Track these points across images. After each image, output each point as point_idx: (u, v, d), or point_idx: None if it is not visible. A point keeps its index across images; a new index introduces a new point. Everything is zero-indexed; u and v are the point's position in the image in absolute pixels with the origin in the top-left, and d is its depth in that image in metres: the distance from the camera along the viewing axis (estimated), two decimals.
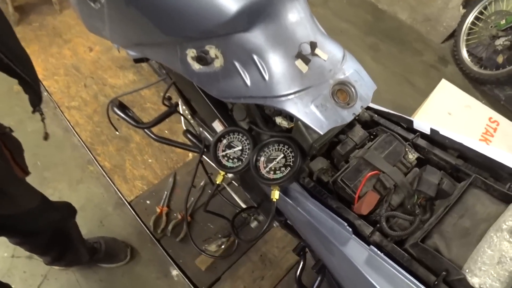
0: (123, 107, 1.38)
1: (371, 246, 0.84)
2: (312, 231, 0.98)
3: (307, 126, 0.86)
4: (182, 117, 1.55)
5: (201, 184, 2.19)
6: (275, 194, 0.96)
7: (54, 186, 2.20)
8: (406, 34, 4.01)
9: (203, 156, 1.32)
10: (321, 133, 0.85)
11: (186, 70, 1.00)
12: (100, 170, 2.27)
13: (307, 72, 0.88)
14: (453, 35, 3.82)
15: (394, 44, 3.80)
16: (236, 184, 1.59)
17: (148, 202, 2.15)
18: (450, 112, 2.92)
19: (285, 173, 0.97)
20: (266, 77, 0.88)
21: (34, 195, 1.38)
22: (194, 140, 1.35)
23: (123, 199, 2.16)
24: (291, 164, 0.98)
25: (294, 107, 0.86)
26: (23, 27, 3.07)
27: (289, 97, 0.86)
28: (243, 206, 1.75)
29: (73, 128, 2.42)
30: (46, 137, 1.46)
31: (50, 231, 1.48)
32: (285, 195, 1.03)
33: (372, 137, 1.11)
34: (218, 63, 0.93)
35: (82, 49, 2.94)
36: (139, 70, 2.83)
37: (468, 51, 3.67)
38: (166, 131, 2.47)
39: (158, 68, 2.50)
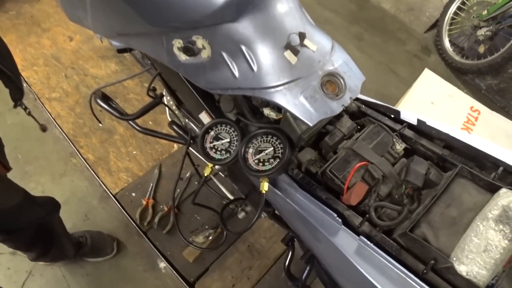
0: (106, 98, 1.35)
1: (361, 237, 0.85)
2: (301, 222, 0.98)
3: (296, 118, 0.85)
4: (167, 108, 1.53)
5: (187, 175, 2.17)
6: (264, 186, 0.96)
7: (37, 180, 2.15)
8: (390, 23, 4.03)
9: (189, 147, 1.31)
10: (311, 124, 0.85)
11: (172, 61, 0.99)
12: (83, 163, 2.23)
13: (296, 63, 0.87)
14: (436, 25, 3.85)
15: (378, 34, 3.81)
16: (223, 175, 1.59)
17: (133, 194, 2.12)
18: (433, 101, 2.96)
19: (274, 165, 0.96)
20: (255, 68, 0.87)
21: (16, 191, 1.34)
22: (180, 132, 1.34)
23: (108, 192, 2.13)
24: (280, 155, 0.97)
25: (283, 99, 0.85)
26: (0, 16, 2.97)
27: (278, 88, 0.85)
28: (230, 197, 1.75)
29: (55, 120, 2.36)
30: (44, 128, 1.43)
31: (33, 228, 1.45)
32: (274, 187, 1.02)
33: (359, 127, 1.11)
34: (205, 54, 0.91)
35: (62, 39, 2.86)
36: (121, 60, 2.77)
37: (450, 41, 3.71)
38: (151, 122, 2.44)
39: (141, 58, 2.46)
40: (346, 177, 0.94)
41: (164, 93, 1.42)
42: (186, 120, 1.53)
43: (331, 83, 0.92)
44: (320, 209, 0.91)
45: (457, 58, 3.59)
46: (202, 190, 1.11)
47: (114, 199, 2.10)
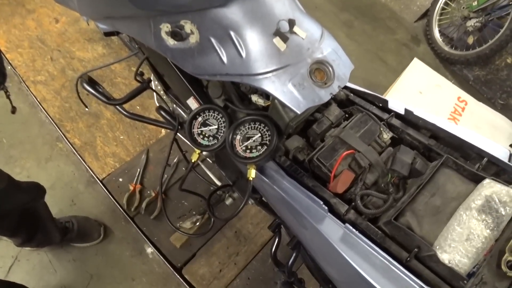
0: (93, 82, 1.34)
1: (346, 224, 0.85)
2: (288, 209, 0.99)
3: (284, 105, 0.85)
4: (154, 93, 1.51)
5: (175, 161, 2.16)
6: (251, 173, 0.96)
7: (22, 164, 2.12)
8: (380, 11, 4.02)
9: (177, 133, 1.30)
10: (298, 112, 0.85)
11: (160, 45, 0.97)
12: (69, 148, 2.20)
13: (285, 50, 0.86)
14: (426, 14, 3.85)
15: (367, 21, 3.80)
16: (211, 161, 1.58)
17: (120, 179, 2.10)
18: (421, 91, 2.98)
19: (261, 152, 0.96)
20: (243, 54, 0.86)
21: (0, 177, 1.32)
22: (167, 117, 1.33)
23: (95, 177, 2.11)
24: (267, 142, 0.97)
25: (272, 86, 0.85)
26: None
27: (267, 75, 0.85)
28: (218, 183, 1.75)
29: (40, 104, 2.32)
30: (13, 111, 1.40)
31: (17, 213, 1.43)
32: (261, 174, 1.02)
33: (347, 116, 1.11)
34: (193, 39, 0.90)
35: (47, 20, 2.79)
36: (108, 43, 2.72)
37: (440, 31, 3.73)
38: (138, 107, 2.41)
39: (129, 42, 2.42)
40: (333, 165, 0.94)
41: (152, 78, 1.41)
42: (174, 105, 1.51)
43: (319, 71, 0.91)
44: (307, 197, 0.92)
45: (446, 48, 3.61)
46: (190, 176, 1.11)
47: (101, 184, 2.09)
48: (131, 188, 2.06)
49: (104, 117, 2.33)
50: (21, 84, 2.43)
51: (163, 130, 2.33)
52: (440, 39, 3.69)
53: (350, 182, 0.92)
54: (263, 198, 1.31)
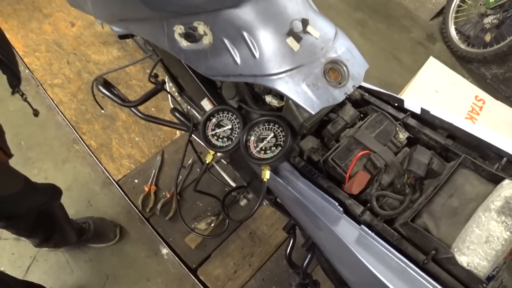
0: (108, 85, 1.35)
1: (362, 226, 0.84)
2: (303, 210, 0.98)
3: (298, 106, 0.84)
4: (169, 95, 1.52)
5: (189, 162, 2.17)
6: (266, 174, 0.95)
7: (39, 166, 2.16)
8: (394, 10, 3.97)
9: (192, 134, 1.30)
10: (313, 112, 0.84)
11: (173, 47, 0.98)
12: (86, 149, 2.23)
13: (299, 50, 0.86)
14: (442, 12, 3.79)
15: (381, 20, 3.76)
16: (225, 162, 1.58)
17: (136, 181, 2.12)
18: (437, 90, 2.93)
19: (275, 153, 0.96)
20: (257, 55, 0.85)
21: (17, 178, 1.34)
22: (182, 119, 1.33)
23: (111, 178, 2.13)
24: (282, 143, 0.97)
25: (285, 86, 0.84)
26: (0, 1, 2.93)
27: (280, 75, 0.84)
28: (232, 184, 1.75)
29: (57, 107, 2.36)
30: (36, 113, 1.42)
31: (34, 214, 1.45)
32: (276, 174, 1.02)
33: (362, 116, 1.10)
34: (206, 40, 0.90)
35: (63, 24, 2.83)
36: (123, 46, 2.75)
37: (456, 29, 3.66)
38: (153, 109, 2.43)
39: (143, 44, 2.44)
40: (348, 165, 0.93)
41: (166, 80, 1.42)
42: (188, 107, 1.52)
43: (333, 70, 0.90)
44: (321, 198, 0.91)
45: (462, 46, 3.55)
46: (204, 177, 1.11)
47: (116, 185, 2.11)
48: (146, 189, 2.07)
49: (119, 119, 2.35)
50: (38, 88, 2.47)
51: (177, 132, 2.34)
52: (457, 37, 3.63)
53: (365, 183, 0.91)
54: (277, 199, 1.31)
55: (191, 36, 0.90)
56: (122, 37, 1.52)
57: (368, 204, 0.89)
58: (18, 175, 1.35)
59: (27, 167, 2.12)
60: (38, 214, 1.47)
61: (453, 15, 3.65)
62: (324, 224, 0.90)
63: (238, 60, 0.88)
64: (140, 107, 1.30)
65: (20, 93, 1.31)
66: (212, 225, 1.92)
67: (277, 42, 0.84)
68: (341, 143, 1.00)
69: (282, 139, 0.97)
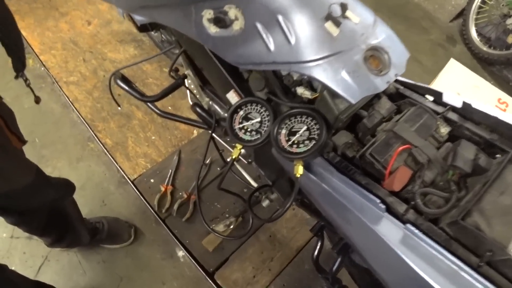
0: (126, 80, 1.31)
1: (407, 225, 0.78)
2: (337, 209, 0.91)
3: (337, 95, 0.78)
4: (188, 92, 1.48)
5: (207, 162, 2.11)
6: (299, 169, 0.89)
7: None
8: (413, 11, 3.90)
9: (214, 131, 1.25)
10: (353, 102, 0.78)
11: (201, 34, 0.93)
12: (101, 148, 2.19)
13: (338, 36, 0.80)
14: (462, 13, 3.71)
15: (400, 21, 3.69)
16: (246, 162, 1.52)
17: (152, 180, 2.07)
18: (459, 92, 2.85)
19: (309, 147, 0.89)
20: (292, 41, 0.80)
21: (29, 167, 1.30)
22: (204, 115, 1.28)
23: (126, 177, 2.09)
24: (316, 137, 0.90)
25: (323, 74, 0.78)
26: (17, 0, 2.93)
27: (318, 62, 0.79)
28: (254, 184, 1.68)
29: (72, 104, 2.33)
30: (37, 100, 1.38)
31: (46, 210, 1.40)
32: (307, 170, 0.95)
33: (398, 110, 1.03)
34: (237, 26, 0.85)
35: (80, 23, 2.82)
36: (140, 45, 2.72)
37: (477, 31, 3.58)
38: (170, 107, 2.38)
39: (159, 42, 2.41)
40: (388, 161, 0.87)
41: (186, 74, 1.37)
42: (210, 102, 1.46)
43: (374, 58, 0.84)
44: (361, 195, 0.84)
45: (484, 48, 3.46)
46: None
47: (132, 185, 2.06)
48: (163, 189, 2.02)
49: (135, 118, 2.31)
50: (54, 85, 2.45)
51: (195, 131, 2.29)
52: (478, 39, 3.55)
53: (407, 179, 0.85)
54: (304, 199, 1.24)
55: (221, 21, 0.85)
56: (142, 29, 1.48)
57: (412, 202, 0.82)
58: (30, 164, 1.31)
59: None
60: (50, 211, 1.42)
61: (474, 16, 3.57)
62: (363, 223, 0.83)
63: (271, 46, 0.82)
64: (157, 105, 1.26)
65: (24, 78, 1.27)
66: (231, 227, 1.85)
67: (315, 27, 0.79)
68: (378, 137, 0.94)
69: (316, 133, 0.91)
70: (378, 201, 0.81)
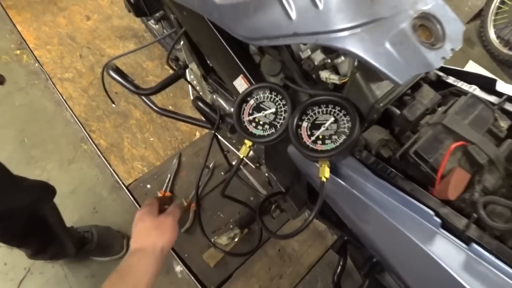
0: (120, 72, 1.15)
1: (472, 245, 0.58)
2: (374, 222, 0.73)
3: (380, 73, 0.60)
4: (190, 88, 1.30)
5: (210, 166, 1.93)
6: (325, 172, 0.70)
7: (43, 166, 1.95)
8: None
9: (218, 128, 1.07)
10: (400, 82, 0.60)
11: (204, 3, 0.75)
12: (94, 149, 2.02)
13: None
14: (480, 15, 3.54)
15: None
16: (253, 166, 1.34)
17: (148, 186, 1.89)
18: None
19: (338, 143, 0.71)
20: (320, 4, 0.62)
21: None
22: (207, 109, 1.10)
23: (120, 182, 1.92)
24: (346, 131, 0.72)
25: (361, 45, 0.61)
26: None
27: (355, 30, 0.61)
28: (261, 190, 1.50)
29: (66, 102, 2.17)
30: (1, 81, 1.19)
31: (23, 218, 1.22)
32: (333, 173, 0.77)
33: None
34: None
35: (78, 18, 2.67)
36: (141, 41, 2.56)
37: (495, 32, 3.40)
38: (170, 107, 2.21)
39: (154, 25, 2.24)
40: (439, 161, 0.68)
41: (186, 64, 1.20)
42: (214, 96, 1.29)
43: (424, 28, 0.66)
44: (406, 205, 0.66)
45: (504, 50, 3.28)
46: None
47: (126, 190, 1.88)
48: (160, 195, 1.84)
49: (133, 117, 2.14)
50: (47, 82, 2.29)
51: (197, 132, 2.11)
52: (497, 41, 3.36)
53: (465, 185, 0.66)
54: (323, 208, 1.05)
55: None
56: (139, 13, 1.32)
57: (474, 215, 0.63)
58: None
59: (30, 166, 1.92)
60: (28, 219, 1.24)
61: (492, 17, 3.39)
62: (410, 241, 0.64)
63: (293, 14, 0.65)
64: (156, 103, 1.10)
65: None
66: (236, 240, 1.65)
67: None
68: (423, 133, 0.75)
69: (346, 126, 0.72)
70: (432, 213, 0.63)
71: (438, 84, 0.91)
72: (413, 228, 0.64)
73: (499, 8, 3.38)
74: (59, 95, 2.20)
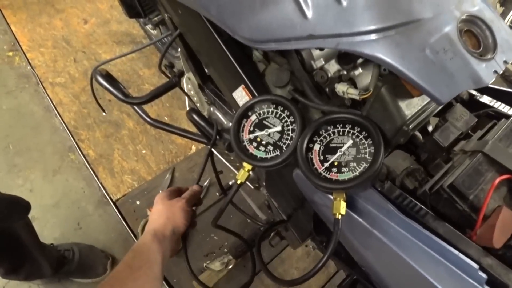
0: (110, 77, 1.03)
1: None
2: (397, 269, 0.59)
3: (419, 88, 0.47)
4: (186, 98, 1.18)
5: (206, 183, 1.79)
6: (341, 207, 0.57)
7: (25, 175, 1.81)
8: None
9: (214, 146, 0.94)
10: (444, 101, 0.48)
11: None
12: (82, 160, 1.88)
13: None
14: None
15: None
16: (252, 187, 1.21)
17: (137, 202, 1.75)
18: None
19: (357, 172, 0.58)
20: (344, 1, 0.50)
21: None
22: (202, 123, 0.97)
23: (107, 197, 1.77)
24: (367, 157, 0.59)
25: (394, 52, 0.49)
26: None
27: (387, 33, 0.49)
28: (260, 214, 1.36)
29: (55, 108, 2.04)
30: None
31: None
32: (349, 207, 0.63)
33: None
34: None
35: (75, 21, 2.56)
36: (138, 47, 2.44)
37: None
38: (166, 118, 2.08)
39: (154, 36, 2.12)
40: (481, 198, 0.56)
41: (183, 73, 1.08)
42: (211, 109, 1.16)
43: (470, 34, 0.54)
44: (441, 253, 0.52)
45: None
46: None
47: (113, 206, 1.74)
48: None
49: (125, 127, 2.01)
50: (38, 86, 2.16)
51: (193, 146, 1.98)
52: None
53: None
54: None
55: None
56: (133, 14, 1.20)
57: None
58: None
59: (11, 175, 1.78)
60: None
61: None
62: None
63: (308, 10, 0.53)
64: (151, 115, 0.99)
65: None
66: (230, 266, 1.51)
67: None
68: (457, 161, 0.62)
69: (367, 151, 0.60)
70: (476, 266, 0.49)
71: (471, 104, 0.79)
72: (451, 284, 0.50)
73: (510, 27, 3.28)
74: (49, 100, 2.07)
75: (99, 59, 2.33)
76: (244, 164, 0.69)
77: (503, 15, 3.26)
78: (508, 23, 3.25)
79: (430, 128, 0.73)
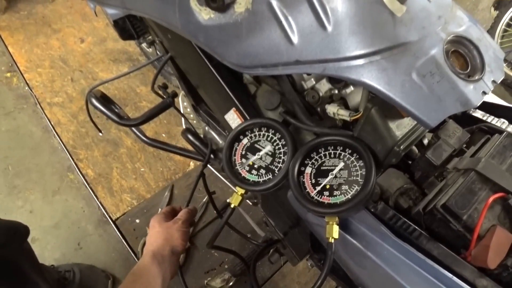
0: (106, 99, 1.03)
1: None
2: None
3: (407, 113, 0.47)
4: (182, 117, 1.18)
5: (204, 200, 1.78)
6: (334, 231, 0.57)
7: (26, 196, 1.81)
8: None
9: (208, 164, 0.95)
10: (433, 125, 0.48)
11: (188, 23, 0.64)
12: (81, 179, 1.87)
13: (404, 17, 0.50)
14: None
15: None
16: (250, 203, 1.20)
17: (137, 221, 1.74)
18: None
19: (349, 195, 0.58)
20: (328, 26, 0.50)
21: None
22: (196, 143, 0.97)
23: (107, 216, 1.76)
24: (359, 180, 0.58)
25: (380, 78, 0.49)
26: (10, 15, 2.71)
27: (372, 58, 0.49)
28: (258, 231, 1.35)
29: (54, 128, 2.03)
30: None
31: None
32: (343, 230, 0.63)
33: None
34: (241, 7, 0.57)
35: (72, 40, 2.57)
36: (135, 64, 2.45)
37: None
38: (164, 135, 2.08)
39: (147, 50, 2.13)
40: (474, 218, 0.55)
41: (177, 91, 1.08)
42: (206, 128, 1.16)
43: (458, 55, 0.54)
44: (435, 275, 0.52)
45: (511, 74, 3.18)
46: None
47: (113, 225, 1.72)
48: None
49: (123, 146, 2.00)
50: (36, 106, 2.17)
51: (191, 163, 1.97)
52: (504, 65, 3.26)
53: (508, 248, 0.53)
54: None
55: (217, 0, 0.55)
56: (125, 36, 1.20)
57: None
58: None
59: (11, 197, 1.78)
60: None
61: (499, 40, 3.30)
62: None
63: (294, 36, 0.53)
64: (148, 133, 0.98)
65: None
66: (231, 283, 1.50)
67: (367, 4, 0.49)
68: (451, 180, 0.62)
69: (358, 173, 0.59)
70: None
71: (464, 119, 0.79)
72: None
73: (505, 31, 3.29)
74: (47, 121, 2.07)
75: (96, 77, 2.33)
76: (237, 188, 0.68)
77: (498, 18, 3.27)
78: (503, 27, 3.27)
79: (425, 141, 0.73)
